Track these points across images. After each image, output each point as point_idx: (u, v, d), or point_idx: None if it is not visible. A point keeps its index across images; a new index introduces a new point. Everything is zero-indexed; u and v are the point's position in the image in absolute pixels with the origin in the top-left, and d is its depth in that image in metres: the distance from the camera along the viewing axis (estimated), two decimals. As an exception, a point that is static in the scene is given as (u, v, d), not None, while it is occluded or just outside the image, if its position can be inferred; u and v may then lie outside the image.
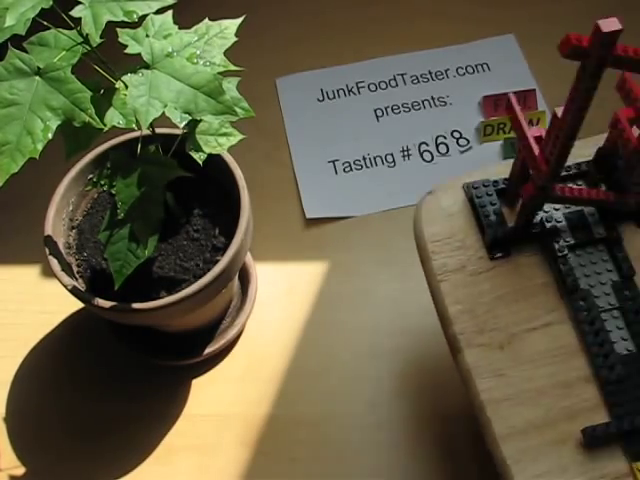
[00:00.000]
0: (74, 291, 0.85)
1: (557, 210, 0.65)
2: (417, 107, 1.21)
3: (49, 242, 0.88)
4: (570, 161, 0.67)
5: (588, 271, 0.63)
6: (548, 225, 0.64)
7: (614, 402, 0.57)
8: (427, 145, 1.16)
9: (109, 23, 0.63)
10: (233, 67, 0.72)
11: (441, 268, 0.64)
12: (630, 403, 0.57)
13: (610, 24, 0.47)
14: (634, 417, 0.56)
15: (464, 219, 0.66)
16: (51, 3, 0.60)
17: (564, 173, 0.67)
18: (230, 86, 0.75)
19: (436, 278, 0.63)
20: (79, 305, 1.00)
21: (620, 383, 0.58)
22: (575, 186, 0.63)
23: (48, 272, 1.04)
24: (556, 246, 0.63)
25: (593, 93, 0.51)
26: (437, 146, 1.16)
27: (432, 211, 0.67)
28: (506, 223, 0.65)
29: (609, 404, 0.57)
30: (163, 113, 0.65)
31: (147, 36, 0.69)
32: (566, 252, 0.63)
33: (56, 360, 1.02)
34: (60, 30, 0.67)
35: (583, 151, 0.69)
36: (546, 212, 0.65)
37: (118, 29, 0.69)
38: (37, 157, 0.63)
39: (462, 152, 1.15)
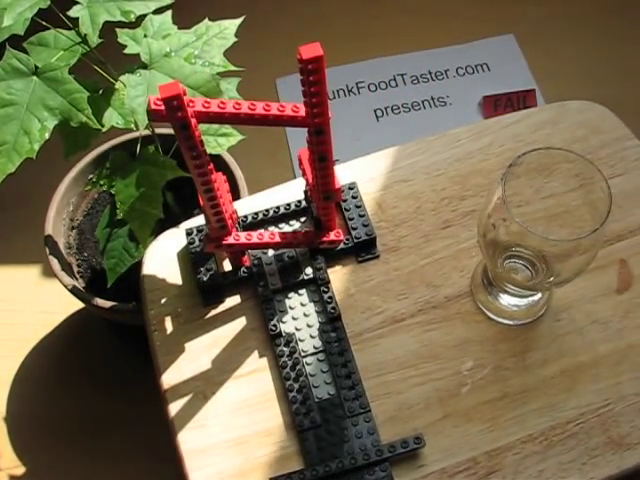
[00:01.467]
0: (74, 291, 0.85)
1: (265, 253, 0.64)
2: (417, 107, 1.21)
3: (49, 242, 0.88)
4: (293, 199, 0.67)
5: (297, 314, 0.62)
6: (255, 269, 0.63)
7: (308, 449, 0.56)
8: (427, 145, 1.16)
9: (109, 23, 0.63)
10: (233, 67, 0.72)
11: (156, 318, 0.62)
12: (324, 450, 0.56)
13: (312, 49, 0.45)
14: (328, 464, 0.55)
15: (183, 266, 0.65)
16: (49, 3, 0.60)
17: (283, 212, 0.66)
18: (230, 86, 0.75)
19: (150, 328, 0.62)
20: (79, 305, 1.00)
21: (316, 429, 0.57)
22: (266, 231, 0.61)
23: (48, 272, 1.04)
24: (259, 290, 0.62)
25: (199, 149, 0.50)
26: (437, 146, 1.16)
27: (157, 258, 0.66)
28: (219, 268, 0.64)
29: (304, 451, 0.56)
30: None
31: (146, 36, 0.69)
32: (269, 296, 0.62)
33: (56, 360, 1.02)
34: (59, 30, 0.67)
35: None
36: (256, 256, 0.64)
37: (117, 29, 0.69)
38: (34, 157, 0.63)
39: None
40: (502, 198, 0.51)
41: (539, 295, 0.61)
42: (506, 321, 0.61)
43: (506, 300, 0.61)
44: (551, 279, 0.56)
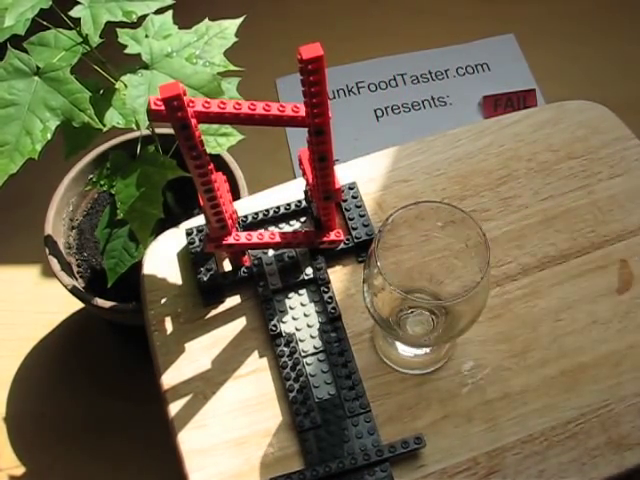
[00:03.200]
0: (74, 291, 0.85)
1: (265, 253, 0.64)
2: (417, 107, 1.21)
3: (49, 242, 0.88)
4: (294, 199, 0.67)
5: (297, 314, 0.61)
6: (255, 269, 0.63)
7: (309, 449, 0.56)
8: (427, 145, 1.16)
9: (110, 23, 0.63)
10: (233, 67, 0.72)
11: (156, 318, 0.62)
12: (324, 450, 0.55)
13: (312, 50, 0.45)
14: (328, 464, 0.54)
15: (184, 266, 0.65)
16: (50, 3, 0.60)
17: (283, 212, 0.66)
18: (230, 86, 0.75)
19: (150, 328, 0.62)
20: (79, 305, 1.00)
21: (316, 429, 0.56)
22: (266, 231, 0.61)
23: (48, 272, 1.04)
24: (260, 290, 0.62)
25: (199, 149, 0.50)
26: (437, 146, 1.16)
27: (157, 258, 0.66)
28: (220, 268, 0.64)
29: (304, 451, 0.56)
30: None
31: (147, 36, 0.69)
32: (269, 296, 0.62)
33: (56, 360, 1.02)
34: (60, 30, 0.67)
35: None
36: (256, 256, 0.63)
37: (118, 29, 0.69)
38: (36, 157, 0.63)
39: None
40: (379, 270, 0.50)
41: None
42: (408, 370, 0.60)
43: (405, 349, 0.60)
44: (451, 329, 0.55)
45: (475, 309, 0.52)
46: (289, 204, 0.67)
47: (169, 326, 0.62)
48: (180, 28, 0.72)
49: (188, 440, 0.58)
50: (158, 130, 0.78)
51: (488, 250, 0.50)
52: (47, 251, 0.87)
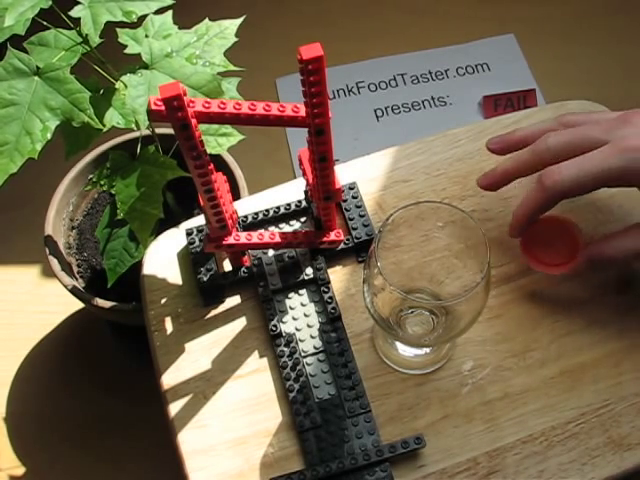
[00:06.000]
0: (74, 291, 0.85)
1: (265, 253, 0.64)
2: (417, 107, 1.21)
3: (49, 242, 0.88)
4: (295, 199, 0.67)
5: (297, 314, 0.61)
6: (255, 269, 0.63)
7: (309, 449, 0.56)
8: (427, 145, 1.16)
9: (109, 23, 0.63)
10: (233, 67, 0.72)
11: (156, 318, 0.62)
12: (325, 450, 0.56)
13: (312, 50, 0.45)
14: (328, 464, 0.54)
15: (184, 266, 0.65)
16: (50, 3, 0.60)
17: (283, 212, 0.66)
18: (230, 86, 0.75)
19: (150, 328, 0.62)
20: (79, 305, 1.00)
21: (316, 429, 0.56)
22: (266, 231, 0.61)
23: (48, 272, 1.04)
24: (260, 290, 0.62)
25: (199, 149, 0.50)
26: (437, 146, 1.16)
27: (157, 258, 0.66)
28: (220, 268, 0.64)
29: (304, 451, 0.56)
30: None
31: (146, 36, 0.69)
32: (269, 296, 0.62)
33: (56, 360, 1.02)
34: (60, 30, 0.67)
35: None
36: (256, 256, 0.64)
37: (118, 29, 0.69)
38: (36, 157, 0.63)
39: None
40: (379, 270, 0.50)
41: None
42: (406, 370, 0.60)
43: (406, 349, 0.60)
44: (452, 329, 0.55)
45: (475, 309, 0.52)
46: (289, 204, 0.67)
47: (169, 326, 0.62)
48: (180, 28, 0.72)
49: (188, 440, 0.58)
50: (158, 130, 0.78)
51: (488, 250, 0.50)
52: (47, 251, 0.87)
